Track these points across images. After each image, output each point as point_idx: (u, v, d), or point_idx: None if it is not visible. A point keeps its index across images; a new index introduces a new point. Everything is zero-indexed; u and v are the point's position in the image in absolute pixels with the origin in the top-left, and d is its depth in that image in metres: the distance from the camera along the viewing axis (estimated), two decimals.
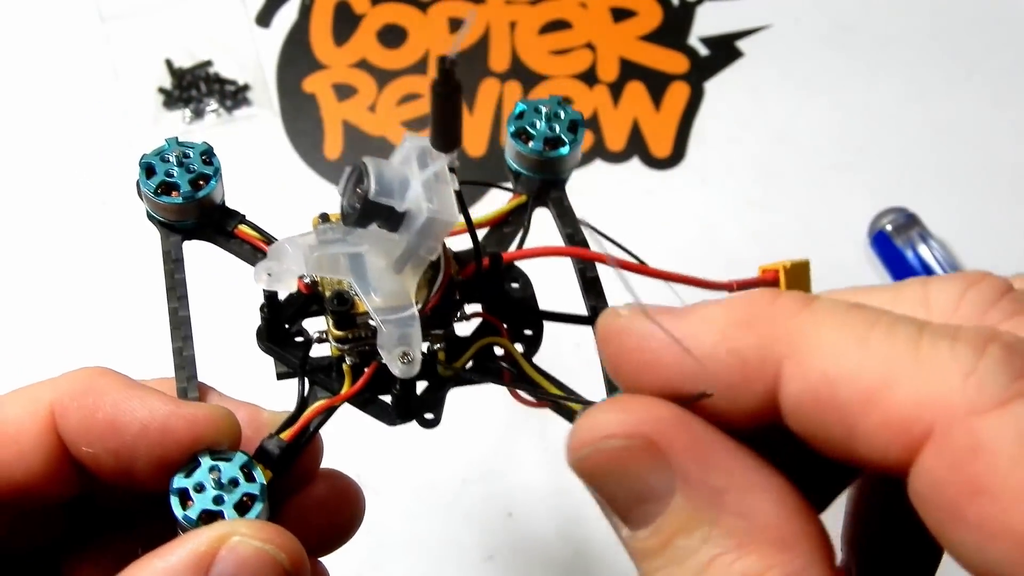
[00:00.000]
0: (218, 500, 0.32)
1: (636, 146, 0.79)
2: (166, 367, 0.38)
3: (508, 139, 0.40)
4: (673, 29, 0.84)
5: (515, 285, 0.41)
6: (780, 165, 0.78)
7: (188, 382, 0.37)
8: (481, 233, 0.41)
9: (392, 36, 0.84)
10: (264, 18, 0.85)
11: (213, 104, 0.80)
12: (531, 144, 0.40)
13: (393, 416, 0.39)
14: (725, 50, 0.83)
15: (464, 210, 0.34)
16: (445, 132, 0.32)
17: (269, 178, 0.77)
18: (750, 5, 0.85)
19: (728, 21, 0.84)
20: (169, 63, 0.81)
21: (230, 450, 0.34)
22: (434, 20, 0.85)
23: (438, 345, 0.37)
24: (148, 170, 0.39)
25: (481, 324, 0.39)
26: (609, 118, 0.80)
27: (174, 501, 0.32)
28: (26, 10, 0.84)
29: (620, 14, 0.85)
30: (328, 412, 0.37)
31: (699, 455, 0.24)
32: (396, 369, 0.34)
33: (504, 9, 0.85)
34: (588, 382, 0.37)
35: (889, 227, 0.72)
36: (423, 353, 0.35)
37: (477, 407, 0.69)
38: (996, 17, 0.84)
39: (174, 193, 0.38)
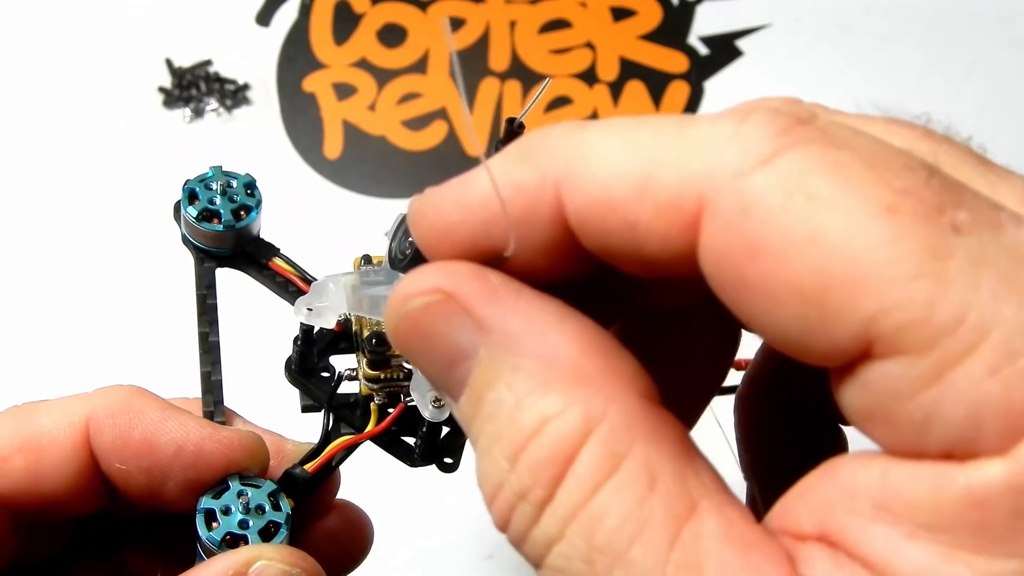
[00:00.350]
0: (243, 524, 0.33)
1: None
2: (186, 383, 0.38)
3: None
4: (673, 28, 0.85)
5: None
6: None
7: (215, 407, 0.38)
8: None
9: (392, 35, 0.84)
10: (264, 17, 0.85)
11: (213, 103, 0.80)
12: None
13: (415, 458, 0.39)
14: (725, 50, 0.83)
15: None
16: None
17: (269, 177, 0.77)
18: (750, 5, 0.85)
19: (728, 20, 0.84)
20: (169, 62, 0.81)
21: (259, 477, 0.35)
22: (434, 20, 0.85)
23: None
24: (191, 196, 0.39)
25: None
26: (609, 118, 0.80)
27: (200, 520, 0.33)
28: (26, 10, 0.84)
29: (620, 13, 0.85)
30: (351, 448, 0.38)
31: (496, 302, 0.24)
32: (427, 413, 0.35)
33: (504, 8, 0.85)
34: None
35: None
36: None
37: None
38: (996, 17, 0.84)
39: (215, 220, 0.39)
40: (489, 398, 0.23)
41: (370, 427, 0.38)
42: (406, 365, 0.36)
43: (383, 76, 0.82)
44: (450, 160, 0.78)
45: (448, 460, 0.40)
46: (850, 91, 0.81)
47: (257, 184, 0.40)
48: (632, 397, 0.22)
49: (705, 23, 0.84)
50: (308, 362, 0.39)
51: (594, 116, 0.80)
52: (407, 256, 0.33)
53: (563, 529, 0.22)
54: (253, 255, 0.40)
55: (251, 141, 0.79)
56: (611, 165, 0.23)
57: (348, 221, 0.76)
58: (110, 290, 0.72)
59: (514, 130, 0.31)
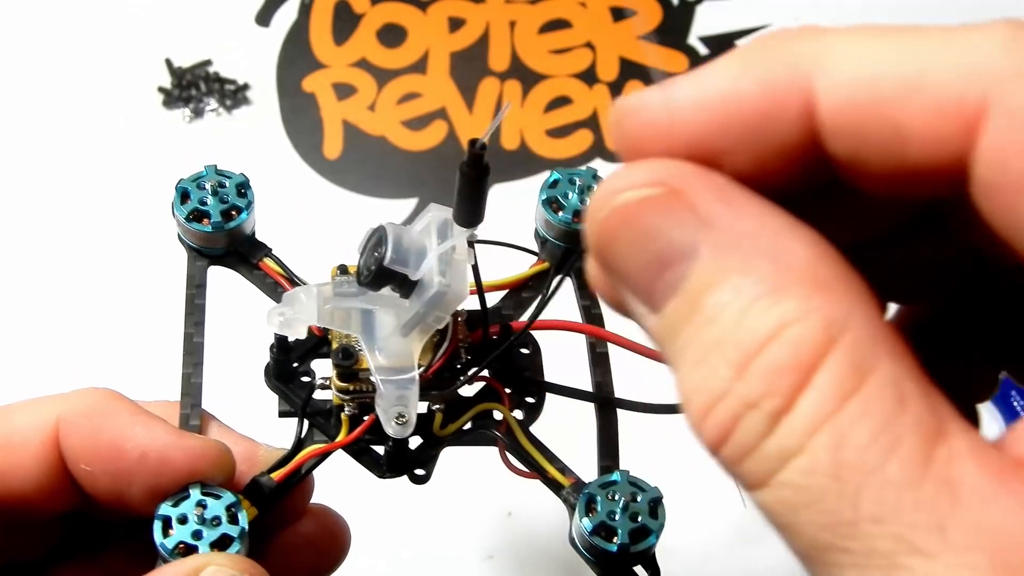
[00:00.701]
0: (197, 535, 0.33)
1: None
2: (168, 383, 0.38)
3: (538, 205, 0.41)
4: (673, 28, 0.85)
5: (524, 351, 0.41)
6: None
7: (192, 409, 0.38)
8: (500, 295, 0.41)
9: (392, 35, 0.84)
10: (264, 17, 0.85)
11: (213, 103, 0.80)
12: (560, 215, 0.41)
13: (384, 469, 0.39)
14: (725, 49, 0.83)
15: (478, 282, 0.36)
16: (469, 210, 0.33)
17: (269, 178, 0.77)
18: (750, 5, 0.85)
19: (728, 21, 0.84)
20: (169, 62, 0.81)
21: (223, 486, 0.35)
22: (434, 19, 0.85)
23: (437, 406, 0.38)
24: (183, 195, 0.40)
25: (484, 388, 0.40)
26: (609, 117, 0.80)
27: (156, 527, 0.33)
28: (26, 10, 0.84)
29: (620, 13, 0.85)
30: (322, 457, 0.38)
31: (725, 200, 0.22)
32: (390, 430, 0.35)
33: (504, 8, 0.85)
34: (584, 460, 0.39)
35: None
36: (421, 412, 0.36)
37: None
38: (997, 18, 0.84)
39: (205, 221, 0.39)
40: (710, 301, 0.21)
41: (340, 437, 0.38)
42: (373, 379, 0.36)
43: (383, 76, 0.82)
44: (450, 160, 0.78)
45: (419, 472, 0.40)
46: None
47: (250, 184, 0.40)
48: (873, 310, 0.21)
49: (705, 23, 0.84)
50: (285, 368, 0.39)
51: (594, 116, 0.80)
52: (372, 272, 0.34)
53: (804, 442, 0.20)
54: (245, 255, 0.40)
55: (251, 141, 0.79)
56: (878, 64, 0.21)
57: (348, 221, 0.76)
58: (108, 290, 0.72)
59: (476, 152, 0.31)
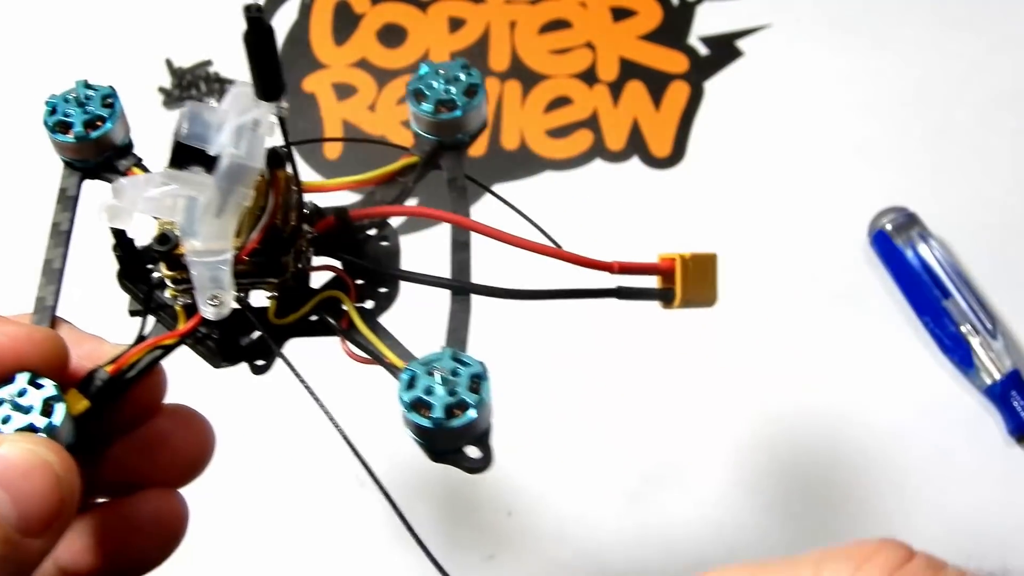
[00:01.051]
0: (6, 420, 0.34)
1: (636, 146, 0.79)
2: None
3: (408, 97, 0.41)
4: (673, 28, 0.84)
5: (384, 243, 0.41)
6: (780, 164, 0.78)
7: (46, 290, 0.39)
8: (362, 192, 0.41)
9: (392, 36, 0.84)
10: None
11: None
12: (424, 105, 0.40)
13: (218, 361, 0.39)
14: (725, 50, 0.83)
15: (292, 164, 0.36)
16: (264, 81, 0.33)
17: None
18: (750, 4, 0.85)
19: (728, 21, 0.84)
20: (169, 63, 0.81)
21: (58, 378, 0.35)
22: (434, 20, 0.85)
23: (270, 294, 0.38)
24: (53, 109, 0.41)
25: (333, 278, 0.40)
26: (609, 118, 0.80)
27: None
28: (26, 10, 0.84)
29: (620, 13, 0.85)
30: (163, 349, 0.38)
31: None
32: (207, 312, 0.35)
33: (504, 9, 0.85)
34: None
35: (889, 226, 0.72)
36: (245, 301, 0.37)
37: None
38: (997, 17, 0.84)
39: (69, 132, 0.41)
40: None
41: (178, 328, 0.38)
42: (184, 262, 0.35)
43: (383, 76, 0.82)
44: None
45: (260, 363, 0.40)
46: (850, 92, 0.81)
47: (119, 96, 0.42)
48: None
49: (705, 23, 0.84)
50: (135, 267, 0.39)
51: (594, 116, 0.80)
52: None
53: None
54: (117, 167, 0.41)
55: None
56: None
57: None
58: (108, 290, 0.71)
59: (252, 16, 0.31)
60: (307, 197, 0.39)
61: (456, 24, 0.85)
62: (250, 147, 0.34)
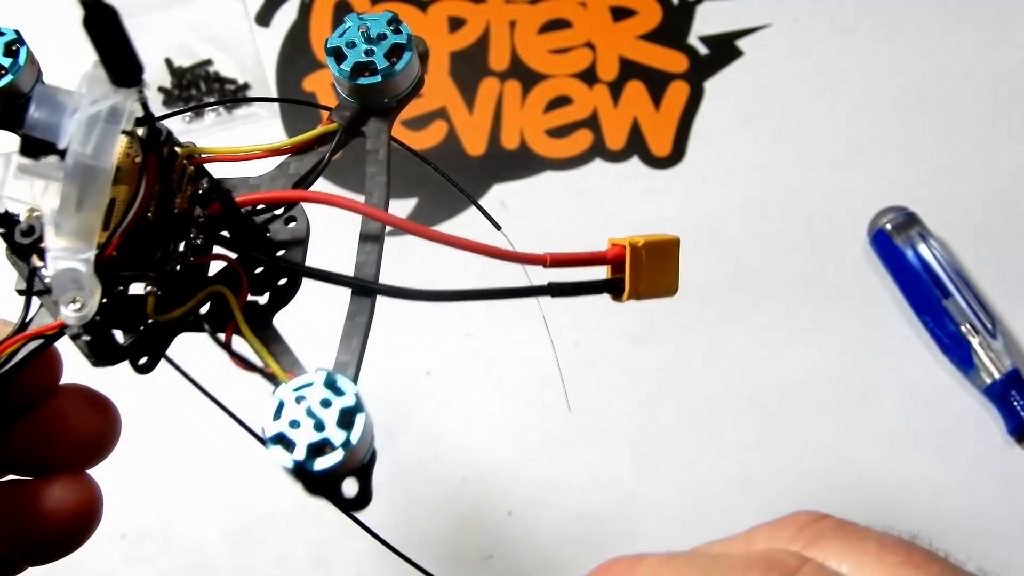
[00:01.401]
0: None
1: (636, 145, 0.79)
2: None
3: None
4: (673, 28, 0.85)
5: (292, 224, 0.37)
6: (780, 164, 0.78)
7: None
8: (279, 159, 0.37)
9: None
10: (264, 17, 0.85)
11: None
12: (342, 65, 0.36)
13: (93, 359, 0.35)
14: (725, 49, 0.83)
15: (171, 144, 0.32)
16: (113, 65, 0.29)
17: None
18: (750, 4, 0.85)
19: (728, 20, 0.84)
20: (169, 62, 0.81)
21: None
22: (434, 19, 0.85)
23: (149, 289, 0.34)
24: None
25: (224, 269, 0.35)
26: (609, 117, 0.80)
27: None
28: (26, 10, 0.84)
29: (620, 13, 0.85)
30: (45, 339, 0.35)
31: None
32: (67, 316, 0.30)
33: (504, 8, 0.85)
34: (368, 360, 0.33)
35: (889, 226, 0.72)
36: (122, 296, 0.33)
37: (476, 406, 0.69)
38: (996, 17, 0.84)
39: None
40: None
41: (55, 321, 0.34)
42: (44, 260, 0.31)
43: None
44: (450, 160, 0.78)
45: (143, 361, 0.35)
46: (850, 92, 0.81)
47: (24, 41, 0.38)
48: None
49: (705, 23, 0.84)
50: (15, 243, 0.35)
51: (594, 116, 0.80)
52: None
53: None
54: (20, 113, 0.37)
55: (251, 141, 0.79)
56: None
57: (348, 221, 0.76)
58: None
59: (86, 1, 0.28)
60: (216, 170, 0.34)
61: (456, 24, 0.85)
62: (99, 143, 0.30)
